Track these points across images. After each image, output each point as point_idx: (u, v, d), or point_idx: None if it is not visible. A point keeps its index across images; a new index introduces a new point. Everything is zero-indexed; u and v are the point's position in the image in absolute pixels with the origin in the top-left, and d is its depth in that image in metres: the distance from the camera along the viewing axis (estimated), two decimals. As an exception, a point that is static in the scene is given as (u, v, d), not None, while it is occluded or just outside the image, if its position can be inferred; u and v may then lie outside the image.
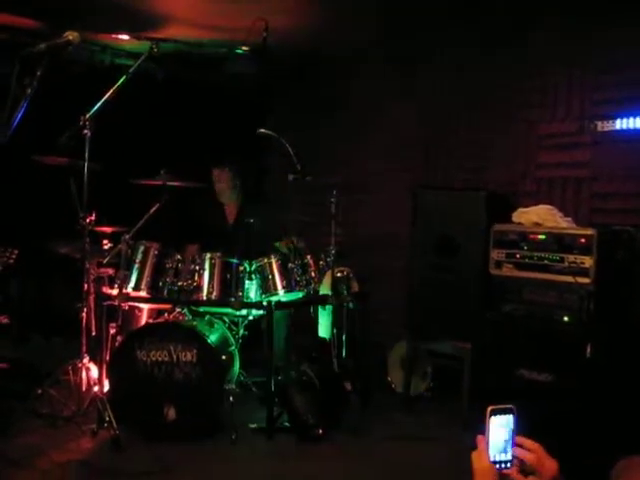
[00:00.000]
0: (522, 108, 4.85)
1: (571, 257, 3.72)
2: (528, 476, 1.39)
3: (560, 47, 4.60)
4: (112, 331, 4.34)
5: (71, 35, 2.24)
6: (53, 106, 5.04)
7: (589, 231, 3.71)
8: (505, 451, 1.40)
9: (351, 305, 4.82)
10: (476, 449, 1.40)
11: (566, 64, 4.57)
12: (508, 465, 1.40)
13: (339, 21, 5.11)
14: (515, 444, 1.41)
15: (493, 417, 1.40)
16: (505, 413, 1.42)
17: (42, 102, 5.24)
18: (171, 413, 4.04)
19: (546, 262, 3.86)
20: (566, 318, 3.65)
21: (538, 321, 3.74)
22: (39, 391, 4.28)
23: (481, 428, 1.40)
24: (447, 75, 5.46)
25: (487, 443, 1.39)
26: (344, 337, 4.79)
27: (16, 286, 5.36)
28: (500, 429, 1.41)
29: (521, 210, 4.17)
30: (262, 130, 4.79)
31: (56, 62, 5.10)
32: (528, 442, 1.42)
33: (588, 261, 3.65)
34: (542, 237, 3.90)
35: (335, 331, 4.67)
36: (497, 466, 1.39)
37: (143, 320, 4.69)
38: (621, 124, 4.14)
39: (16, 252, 4.38)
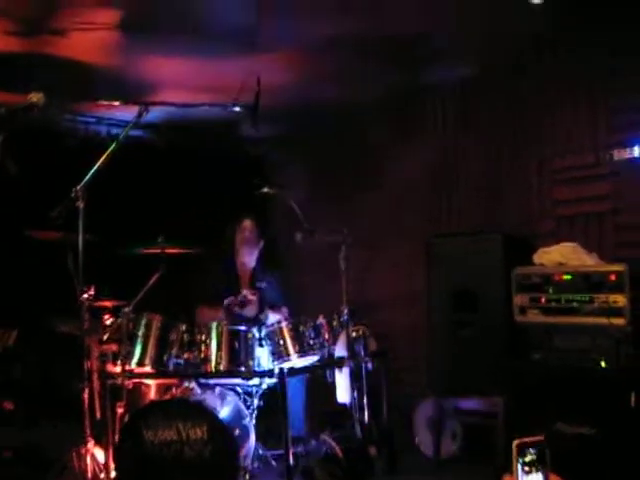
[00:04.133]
0: (533, 143, 4.67)
1: (602, 296, 3.47)
2: None
3: (567, 75, 4.47)
4: (120, 411, 4.11)
5: (35, 97, 2.07)
6: (50, 181, 4.95)
7: (619, 267, 3.47)
8: None
9: (370, 365, 4.56)
10: None
11: (575, 92, 4.42)
12: None
13: (337, 74, 5.02)
14: None
15: (521, 454, 1.19)
16: (535, 448, 1.20)
17: (39, 177, 5.23)
18: (183, 496, 3.76)
19: (574, 304, 3.61)
20: (603, 364, 3.37)
21: (572, 369, 3.46)
22: (42, 482, 4.04)
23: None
24: (451, 117, 5.34)
25: None
26: (365, 400, 4.51)
27: (19, 368, 5.15)
28: (530, 467, 1.20)
29: (542, 250, 3.94)
30: (265, 189, 4.64)
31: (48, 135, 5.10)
32: None
33: (621, 299, 3.40)
34: (568, 277, 3.67)
35: (355, 394, 4.39)
36: None
37: (151, 397, 4.44)
38: (640, 151, 3.94)
39: (15, 332, 4.22)
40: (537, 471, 1.21)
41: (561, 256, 3.79)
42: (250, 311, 4.87)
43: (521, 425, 3.71)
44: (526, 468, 1.21)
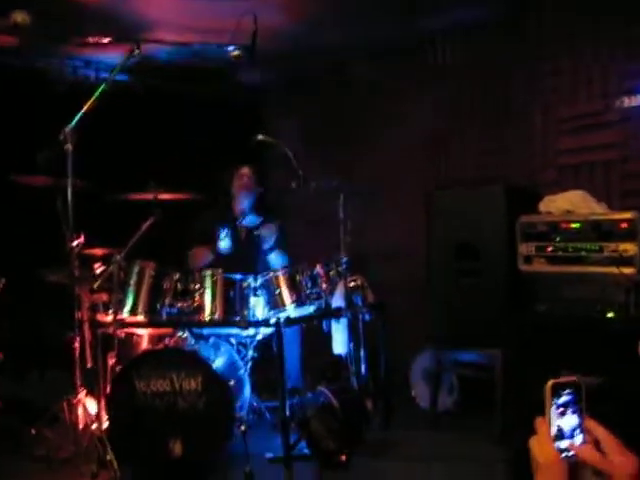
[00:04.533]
0: (537, 90, 4.51)
1: (612, 245, 3.36)
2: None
3: (572, 20, 4.30)
4: (111, 362, 4.00)
5: (19, 16, 1.89)
6: (38, 126, 4.78)
7: (630, 214, 3.35)
8: (572, 436, 1.09)
9: (367, 317, 4.47)
10: (535, 435, 1.10)
11: (581, 37, 4.26)
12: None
13: (338, 16, 4.82)
14: (584, 428, 1.10)
15: (555, 394, 1.09)
16: (570, 388, 1.09)
17: (27, 122, 5.04)
18: (177, 448, 3.67)
19: (583, 253, 3.50)
20: (610, 314, 3.27)
21: (578, 320, 3.36)
22: (32, 431, 3.94)
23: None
24: (454, 62, 5.17)
25: (549, 427, 1.09)
26: (362, 352, 4.43)
27: (7, 318, 5.02)
28: (565, 409, 1.09)
29: (549, 198, 3.82)
30: (260, 137, 4.51)
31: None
32: (600, 430, 1.10)
33: (632, 248, 3.29)
34: (576, 225, 3.55)
35: (352, 346, 4.31)
36: (563, 455, 1.08)
37: (143, 348, 4.34)
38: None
39: (2, 282, 4.09)
40: (572, 413, 1.09)
41: (570, 204, 3.66)
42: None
43: (520, 378, 3.64)
44: (560, 410, 1.09)
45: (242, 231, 5.02)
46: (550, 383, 1.09)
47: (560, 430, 1.10)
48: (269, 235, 4.85)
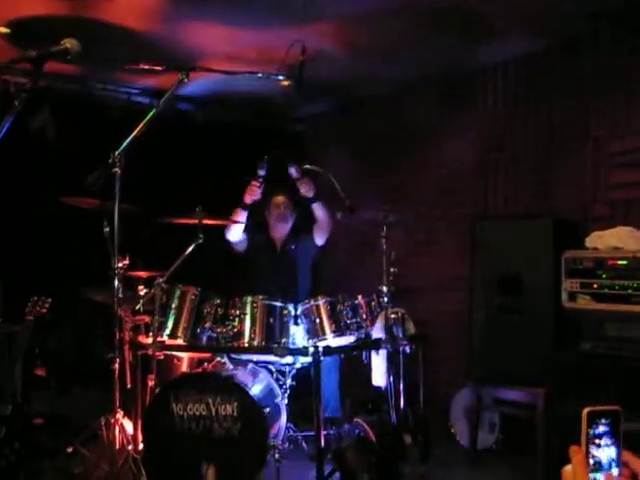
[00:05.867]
0: (589, 123, 4.42)
1: (660, 284, 3.23)
2: None
3: (626, 52, 4.20)
4: (150, 383, 4.03)
5: (69, 43, 1.97)
6: (91, 150, 4.90)
7: (681, 252, 3.23)
8: (609, 469, 1.03)
9: (408, 349, 4.39)
10: (569, 463, 1.03)
11: (635, 70, 4.15)
12: None
13: (387, 46, 4.83)
14: (621, 461, 1.04)
15: (592, 423, 1.03)
16: (608, 418, 1.03)
17: (80, 146, 5.17)
18: (210, 473, 3.65)
19: (629, 291, 3.38)
20: (657, 355, 3.15)
21: (624, 360, 3.24)
22: (69, 449, 3.97)
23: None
24: (505, 94, 5.12)
25: (586, 457, 1.03)
26: (401, 385, 4.36)
27: (53, 336, 5.12)
28: (602, 439, 1.03)
29: (596, 234, 3.70)
30: (307, 166, 4.55)
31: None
32: (638, 463, 1.05)
33: (680, 288, 3.16)
34: (623, 263, 3.43)
35: (391, 378, 4.24)
36: None
37: (182, 371, 4.36)
38: None
39: (49, 301, 4.16)
40: (610, 444, 1.04)
41: (618, 240, 3.55)
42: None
43: (562, 418, 3.52)
44: (597, 440, 1.04)
45: (277, 246, 5.06)
46: (586, 411, 1.04)
47: (597, 462, 1.04)
48: (308, 191, 4.78)
